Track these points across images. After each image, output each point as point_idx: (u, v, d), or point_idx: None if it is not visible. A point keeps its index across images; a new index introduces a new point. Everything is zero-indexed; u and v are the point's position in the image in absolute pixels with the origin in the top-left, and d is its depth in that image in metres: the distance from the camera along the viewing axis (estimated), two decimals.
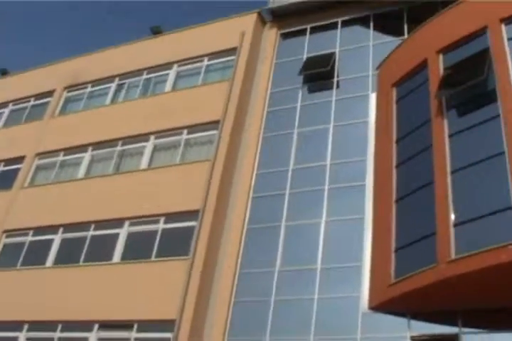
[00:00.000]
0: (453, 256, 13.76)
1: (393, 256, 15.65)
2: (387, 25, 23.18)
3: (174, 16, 59.85)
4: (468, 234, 14.07)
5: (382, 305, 15.57)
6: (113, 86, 27.29)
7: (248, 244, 19.37)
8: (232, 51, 24.59)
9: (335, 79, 21.93)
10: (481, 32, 16.48)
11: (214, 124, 22.34)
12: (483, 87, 15.59)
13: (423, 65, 17.53)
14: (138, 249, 20.66)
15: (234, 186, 20.91)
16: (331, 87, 21.84)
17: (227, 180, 20.88)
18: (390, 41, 21.86)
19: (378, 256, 16.20)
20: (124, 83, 27.17)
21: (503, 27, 16.15)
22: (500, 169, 13.93)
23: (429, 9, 21.01)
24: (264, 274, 18.33)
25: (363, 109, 20.18)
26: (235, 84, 23.23)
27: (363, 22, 23.54)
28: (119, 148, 24.39)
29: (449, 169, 15.04)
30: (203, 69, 25.10)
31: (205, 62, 25.27)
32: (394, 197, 16.54)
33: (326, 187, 19.19)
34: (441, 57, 17.21)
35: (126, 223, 21.50)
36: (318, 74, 22.24)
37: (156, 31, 27.87)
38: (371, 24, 23.26)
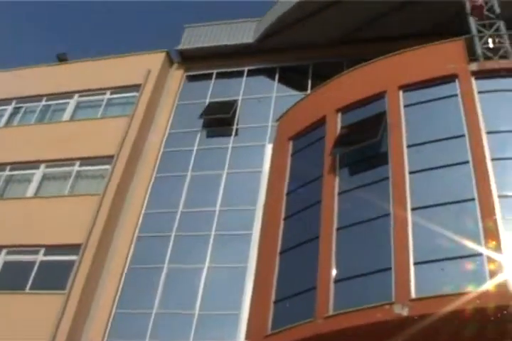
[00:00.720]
0: (331, 312, 13.82)
1: (272, 307, 15.54)
2: (292, 78, 23.76)
3: (84, 44, 59.15)
4: (348, 291, 14.23)
5: None
6: (9, 109, 26.50)
7: (128, 284, 18.99)
8: (135, 87, 24.51)
9: (234, 127, 22.17)
10: (380, 96, 17.07)
11: (108, 159, 22.02)
12: (376, 149, 16.04)
13: (321, 122, 17.88)
14: (12, 279, 19.83)
15: (120, 223, 20.55)
16: (229, 134, 22.03)
17: (114, 216, 20.51)
18: (293, 95, 22.41)
19: (257, 306, 16.11)
20: (21, 107, 26.43)
21: (400, 93, 16.83)
22: (384, 230, 14.28)
23: (334, 67, 21.71)
24: (141, 315, 17.95)
25: (259, 158, 20.39)
26: (134, 120, 23.09)
27: (269, 73, 24.00)
28: (6, 172, 23.58)
29: (335, 226, 15.26)
30: (104, 102, 24.85)
31: (107, 95, 25.05)
32: (279, 248, 16.56)
33: (213, 233, 19.17)
34: (339, 115, 17.64)
35: (4, 251, 20.66)
36: (219, 120, 22.42)
37: (62, 58, 27.46)
38: (276, 76, 23.75)
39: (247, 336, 15.89)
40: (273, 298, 15.68)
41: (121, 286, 18.92)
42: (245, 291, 17.08)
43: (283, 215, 17.16)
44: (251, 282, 17.02)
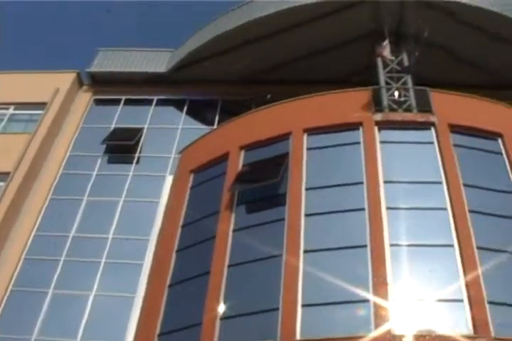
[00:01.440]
0: None
1: (156, 340, 15.27)
2: (200, 112, 23.92)
3: None
4: (234, 328, 14.14)
5: None
6: None
7: (9, 307, 18.26)
8: (41, 105, 24.01)
9: (136, 155, 21.99)
10: (285, 137, 17.29)
11: (3, 175, 21.31)
12: (275, 189, 16.16)
13: (224, 158, 17.91)
14: None
15: (8, 244, 19.83)
16: (131, 162, 21.84)
17: (2, 237, 19.78)
18: (199, 128, 22.57)
19: (141, 338, 15.78)
20: None
21: (305, 136, 17.13)
22: (275, 270, 14.32)
23: (242, 105, 21.98)
24: None
25: (158, 189, 20.26)
26: (35, 139, 22.57)
27: (178, 104, 24.06)
28: None
29: (227, 262, 15.22)
30: (6, 118, 24.14)
31: (11, 110, 24.41)
32: (168, 281, 16.33)
33: (103, 260, 18.81)
34: (242, 153, 17.75)
35: None
36: (122, 146, 22.20)
37: None
38: (185, 108, 23.85)
39: None
40: (158, 331, 15.41)
41: (1, 309, 18.18)
42: (131, 322, 16.75)
43: (176, 247, 16.97)
44: (137, 313, 16.70)
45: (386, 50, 19.19)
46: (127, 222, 19.78)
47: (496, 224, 15.25)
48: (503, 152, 16.97)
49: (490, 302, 13.39)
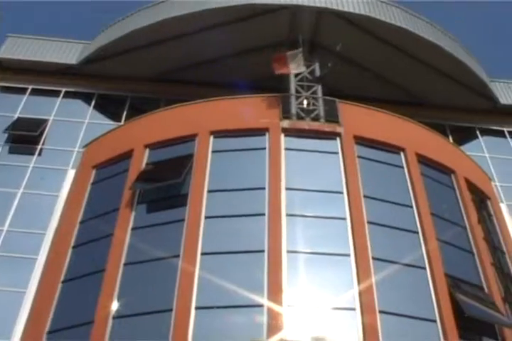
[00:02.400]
0: None
1: (45, 338, 14.89)
2: (108, 107, 23.52)
3: None
4: (126, 328, 13.99)
5: None
6: None
7: None
8: None
9: (39, 146, 21.40)
10: (191, 138, 17.29)
11: None
12: (177, 190, 16.12)
13: (128, 155, 17.72)
14: None
15: None
16: (33, 153, 21.23)
17: None
18: (106, 124, 22.23)
19: (29, 335, 15.37)
20: None
21: (211, 139, 17.15)
22: (172, 271, 14.24)
23: (151, 103, 21.85)
24: None
25: (59, 182, 19.84)
26: None
27: (86, 98, 23.62)
28: None
29: (123, 261, 15.04)
30: None
31: None
32: (62, 277, 15.99)
33: None
34: (147, 151, 17.62)
35: None
36: (25, 137, 21.58)
37: None
38: (93, 102, 23.39)
39: None
40: (47, 328, 15.05)
41: None
42: (20, 318, 16.26)
43: (73, 243, 16.67)
44: (27, 309, 16.26)
45: (296, 62, 19.18)
46: (24, 215, 19.16)
47: (391, 236, 15.69)
48: (405, 166, 17.47)
49: (381, 312, 13.74)
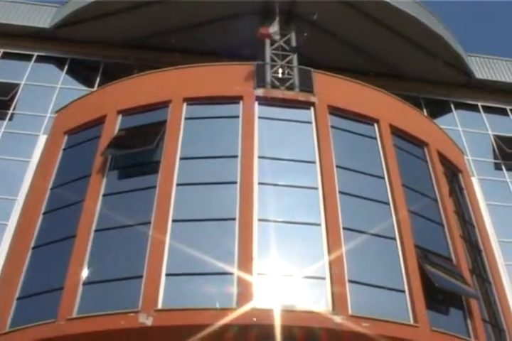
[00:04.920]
0: (74, 315, 13.49)
1: (14, 304, 14.83)
2: (81, 73, 23.24)
3: None
4: (96, 295, 14.01)
5: None
6: None
7: None
8: None
9: (10, 111, 21.08)
10: (164, 105, 17.12)
11: None
12: (149, 157, 16.05)
13: (100, 121, 17.51)
14: None
15: None
16: (3, 118, 20.87)
17: None
18: (78, 89, 22.00)
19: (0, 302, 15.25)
20: None
21: (184, 105, 17.02)
22: (142, 238, 14.23)
23: (125, 69, 21.60)
24: None
25: (30, 148, 19.53)
26: None
27: (59, 63, 23.26)
28: None
29: (93, 227, 14.99)
30: None
31: None
32: (32, 243, 15.91)
33: None
34: (120, 117, 17.44)
35: None
36: None
37: None
38: (66, 67, 23.05)
39: None
40: (17, 294, 14.97)
41: None
42: None
43: (43, 210, 16.57)
44: None
45: (273, 28, 19.09)
46: None
47: (362, 206, 15.77)
48: (378, 137, 17.51)
49: (350, 281, 13.87)
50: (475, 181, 21.36)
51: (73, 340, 13.34)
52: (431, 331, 13.89)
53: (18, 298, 14.92)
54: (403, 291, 14.38)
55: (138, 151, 16.30)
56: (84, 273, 14.27)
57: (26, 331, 13.85)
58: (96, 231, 14.95)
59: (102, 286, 14.09)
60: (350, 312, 13.28)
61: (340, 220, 14.81)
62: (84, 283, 14.10)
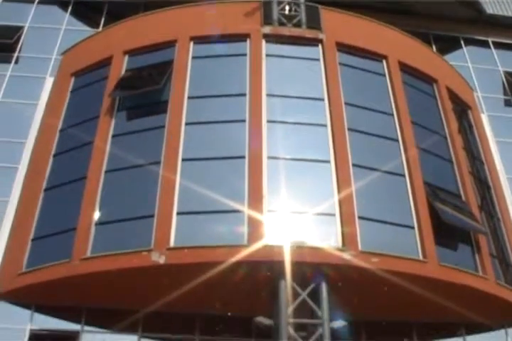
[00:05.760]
0: (88, 254, 13.73)
1: (29, 244, 15.09)
2: (86, 14, 22.92)
3: None
4: (108, 235, 14.25)
5: (8, 294, 14.83)
6: None
7: None
8: None
9: (16, 54, 20.93)
10: (171, 44, 16.99)
11: None
12: (157, 97, 15.99)
13: (107, 62, 17.40)
14: None
15: None
16: (9, 61, 20.77)
17: None
18: (84, 30, 21.77)
19: (15, 242, 15.52)
20: None
21: (191, 44, 16.88)
22: (153, 178, 14.32)
23: (130, 9, 21.24)
24: None
25: (37, 91, 19.46)
26: None
27: (63, 4, 22.95)
28: None
29: (104, 168, 15.08)
30: None
31: None
32: (44, 185, 16.04)
33: None
34: (126, 58, 17.33)
35: None
36: (0, 44, 20.98)
37: None
38: (70, 8, 22.74)
39: (1, 274, 15.22)
40: (32, 235, 15.21)
41: None
42: (4, 226, 16.30)
43: (53, 151, 16.65)
44: (11, 217, 16.32)
45: None
46: (3, 124, 18.89)
47: (371, 143, 15.75)
48: (386, 74, 17.35)
49: (360, 218, 13.98)
50: (484, 118, 21.20)
51: (88, 279, 13.65)
52: (439, 266, 14.07)
53: (33, 240, 15.15)
54: (412, 227, 14.51)
55: (145, 92, 16.19)
56: (97, 213, 14.43)
57: (42, 271, 14.14)
58: (107, 172, 15.04)
59: (115, 226, 14.28)
60: (359, 248, 13.44)
61: (350, 157, 14.85)
62: (97, 224, 14.30)
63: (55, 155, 16.60)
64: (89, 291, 14.21)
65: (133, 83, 16.61)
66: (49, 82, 19.42)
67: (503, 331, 16.63)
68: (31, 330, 14.79)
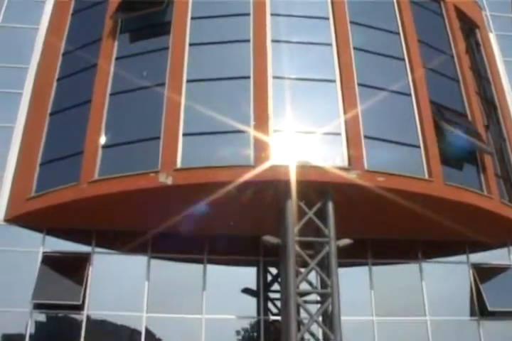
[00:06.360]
0: (96, 177, 13.86)
1: (38, 169, 15.23)
2: None
3: None
4: (115, 157, 14.37)
5: (19, 219, 15.09)
6: None
7: None
8: None
9: None
10: None
11: None
12: (159, 18, 15.77)
13: None
14: None
15: None
16: None
17: None
18: None
19: (23, 167, 15.65)
20: None
21: None
22: (158, 100, 14.26)
23: None
24: None
25: (37, 14, 18.99)
26: None
27: None
28: None
29: (108, 91, 15.01)
30: None
31: None
32: (49, 109, 16.03)
33: None
34: None
35: None
36: None
37: None
38: None
39: (10, 198, 15.41)
40: (39, 160, 15.33)
41: None
42: (11, 152, 16.34)
43: (57, 76, 16.52)
44: (18, 143, 16.36)
45: None
46: (4, 50, 18.62)
47: (377, 63, 15.59)
48: None
49: (366, 137, 13.96)
50: (492, 37, 20.79)
51: (96, 202, 13.83)
52: (445, 185, 14.16)
53: (41, 164, 15.29)
54: (418, 147, 14.53)
55: (148, 13, 15.85)
56: (103, 136, 14.47)
57: (51, 195, 14.31)
58: (111, 94, 14.98)
59: (121, 149, 14.33)
60: (365, 167, 13.51)
61: (355, 76, 14.71)
62: (104, 147, 14.36)
63: (58, 79, 16.47)
64: (98, 214, 14.39)
65: (135, 5, 16.21)
66: (49, 6, 18.93)
67: (505, 249, 16.89)
68: (44, 253, 15.11)
